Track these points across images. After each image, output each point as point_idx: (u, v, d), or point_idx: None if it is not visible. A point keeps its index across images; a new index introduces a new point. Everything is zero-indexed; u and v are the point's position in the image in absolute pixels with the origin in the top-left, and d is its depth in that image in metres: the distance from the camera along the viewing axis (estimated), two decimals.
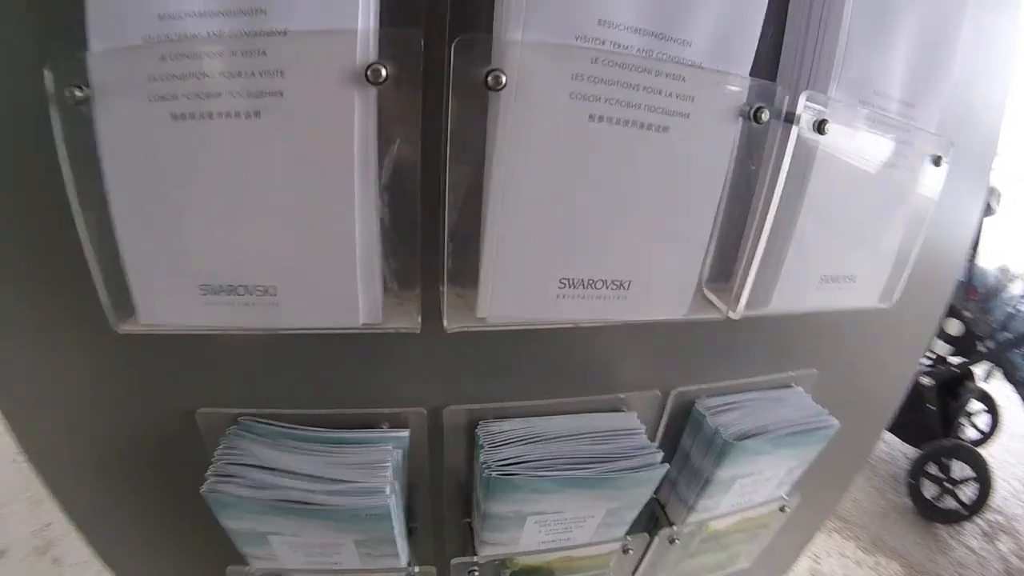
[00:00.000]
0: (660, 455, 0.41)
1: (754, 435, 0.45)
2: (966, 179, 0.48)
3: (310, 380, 0.39)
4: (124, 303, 0.31)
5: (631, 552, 0.48)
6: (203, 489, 0.36)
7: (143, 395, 0.40)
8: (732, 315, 0.38)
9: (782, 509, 0.55)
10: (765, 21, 0.32)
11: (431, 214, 0.31)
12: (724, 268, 0.38)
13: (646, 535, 0.48)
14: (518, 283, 0.32)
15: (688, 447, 0.48)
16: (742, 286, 0.37)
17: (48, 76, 0.27)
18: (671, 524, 0.50)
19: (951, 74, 0.38)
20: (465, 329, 0.33)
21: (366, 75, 0.26)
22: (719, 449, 0.45)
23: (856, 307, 0.43)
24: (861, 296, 0.43)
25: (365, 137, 0.28)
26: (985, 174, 0.49)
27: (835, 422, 0.48)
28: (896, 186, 0.40)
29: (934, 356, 1.73)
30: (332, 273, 0.30)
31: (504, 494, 0.38)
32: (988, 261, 1.77)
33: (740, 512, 0.52)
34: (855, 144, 0.36)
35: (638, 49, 0.28)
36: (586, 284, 0.33)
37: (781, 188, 0.35)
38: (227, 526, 0.38)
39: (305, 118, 0.27)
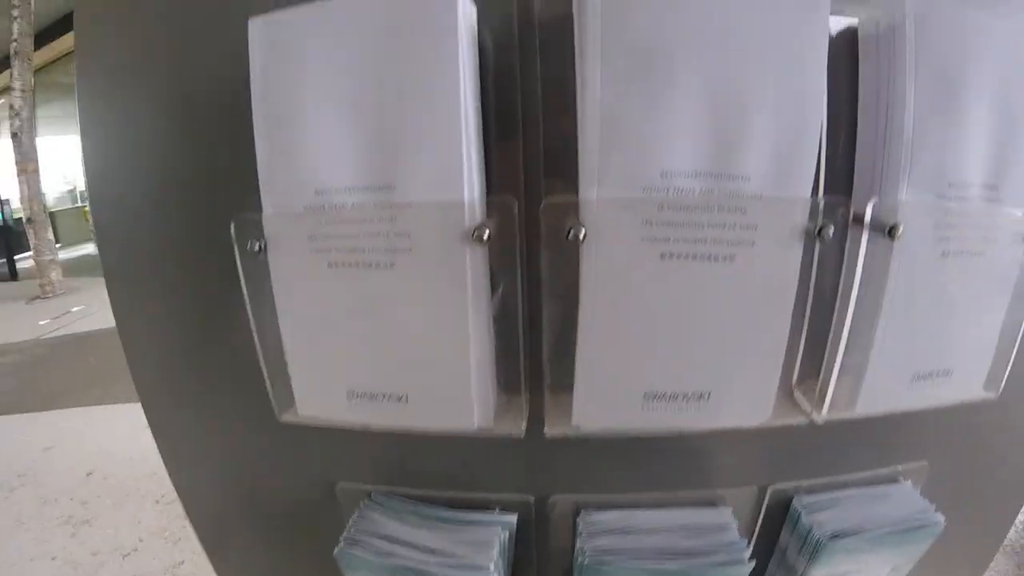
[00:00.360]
0: (747, 552, 0.42)
1: (850, 534, 0.44)
2: None
3: (435, 465, 0.46)
4: (287, 399, 0.41)
5: None
6: (336, 551, 0.43)
7: (295, 470, 0.49)
8: (816, 419, 0.39)
9: None
10: (839, 126, 0.34)
11: (537, 340, 0.36)
12: (817, 368, 0.39)
13: None
14: (607, 398, 0.36)
15: (785, 544, 0.48)
16: (825, 389, 0.38)
17: (233, 229, 0.37)
18: None
19: None
20: (564, 435, 0.37)
21: (472, 235, 0.33)
22: (812, 547, 0.44)
23: (956, 400, 0.42)
24: (961, 389, 0.42)
25: (477, 281, 0.34)
26: None
27: (940, 519, 0.45)
28: (986, 272, 0.39)
29: None
30: (452, 386, 0.37)
31: None
32: None
33: None
34: (934, 239, 0.36)
35: (699, 191, 0.32)
36: (668, 397, 0.36)
37: (856, 293, 0.36)
38: None
39: (428, 268, 0.35)
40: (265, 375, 0.40)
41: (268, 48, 0.34)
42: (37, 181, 4.82)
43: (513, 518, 0.45)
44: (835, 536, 0.43)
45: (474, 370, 0.36)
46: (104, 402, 2.64)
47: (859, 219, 0.36)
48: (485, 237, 0.33)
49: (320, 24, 0.34)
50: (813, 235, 0.34)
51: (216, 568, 0.56)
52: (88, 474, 2.02)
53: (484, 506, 0.46)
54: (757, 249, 0.33)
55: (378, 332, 0.37)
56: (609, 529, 0.44)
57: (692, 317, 0.34)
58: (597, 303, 0.33)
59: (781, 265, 0.34)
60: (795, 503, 0.47)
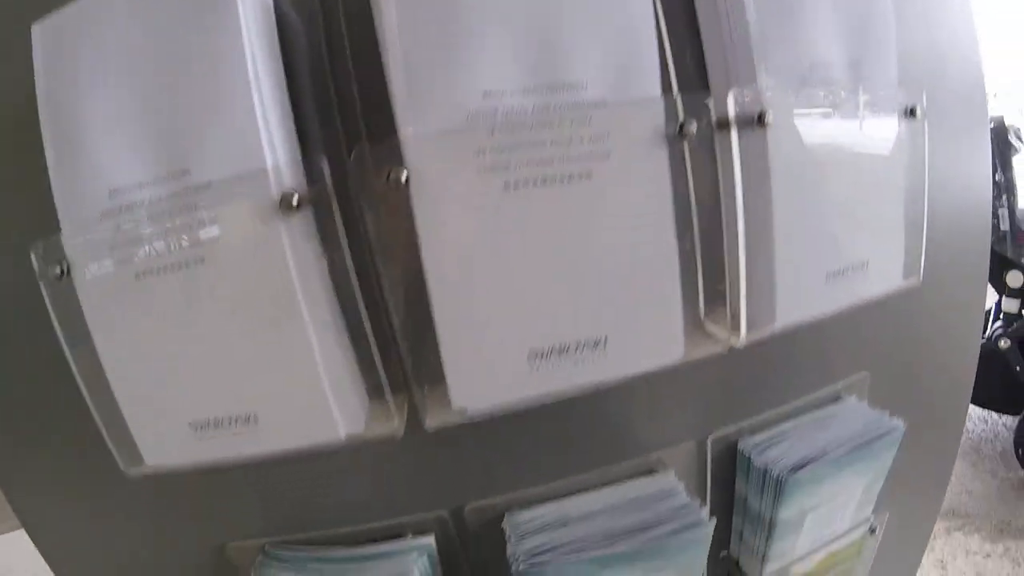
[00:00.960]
0: (704, 511, 0.37)
1: (809, 463, 0.40)
2: (961, 125, 0.43)
3: (328, 500, 0.39)
4: (132, 449, 0.33)
5: None
6: None
7: (170, 535, 0.40)
8: (736, 343, 0.35)
9: (872, 531, 0.47)
10: (682, 29, 0.31)
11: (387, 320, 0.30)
12: (716, 297, 0.35)
13: None
14: (485, 366, 0.31)
15: (744, 492, 0.43)
16: (737, 309, 0.34)
17: (34, 257, 0.30)
18: None
19: (890, 19, 0.35)
20: (448, 424, 0.31)
21: (280, 204, 0.27)
22: (774, 487, 0.40)
23: (879, 294, 0.38)
24: (881, 281, 0.39)
25: (300, 263, 0.28)
26: (982, 115, 0.44)
27: (899, 424, 0.42)
28: (875, 152, 0.36)
29: (1005, 315, 1.51)
30: (303, 394, 0.30)
31: None
32: None
33: (824, 548, 0.45)
34: (810, 124, 0.33)
35: (533, 107, 0.28)
36: (558, 352, 0.31)
37: (741, 195, 0.32)
38: None
39: (240, 260, 0.28)
40: (100, 423, 0.33)
41: (51, 50, 0.29)
42: None
43: (430, 540, 0.38)
44: (794, 469, 0.39)
45: (323, 370, 0.30)
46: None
47: (723, 119, 0.32)
48: (293, 205, 0.27)
49: (96, 15, 0.29)
50: (676, 136, 0.30)
51: None
52: None
53: (395, 534, 0.39)
54: (614, 161, 0.29)
55: (205, 347, 0.30)
56: (542, 526, 0.38)
57: (560, 250, 0.29)
58: (441, 256, 0.28)
59: (647, 174, 0.30)
60: (741, 447, 0.42)
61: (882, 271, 0.39)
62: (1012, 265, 1.46)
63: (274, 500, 0.39)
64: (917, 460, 0.47)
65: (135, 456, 0.33)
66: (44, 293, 0.31)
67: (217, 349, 0.30)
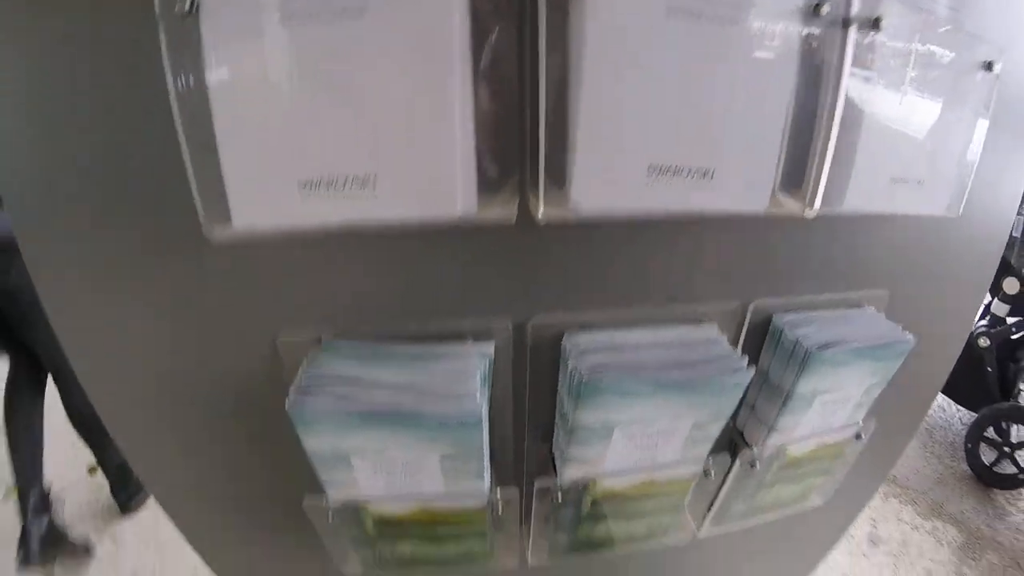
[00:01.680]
0: (746, 360, 0.44)
1: (834, 345, 0.47)
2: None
3: (392, 296, 0.42)
4: (216, 213, 0.34)
5: (712, 475, 0.50)
6: (288, 405, 0.38)
7: (223, 323, 0.42)
8: (808, 213, 0.41)
9: (857, 436, 0.57)
10: None
11: (528, 104, 0.33)
12: (795, 176, 0.41)
13: (727, 456, 0.51)
14: (609, 169, 0.35)
15: (767, 365, 0.51)
16: (816, 184, 0.40)
17: None
18: (751, 447, 0.52)
19: None
20: (558, 219, 0.35)
21: None
22: (801, 360, 0.47)
23: (925, 212, 0.46)
24: (929, 202, 0.46)
25: (463, 27, 0.31)
26: None
27: (910, 337, 0.50)
28: (952, 89, 0.42)
29: (992, 317, 1.77)
30: (431, 161, 0.33)
31: (594, 399, 0.41)
32: None
33: (818, 437, 0.55)
34: (908, 42, 0.39)
35: None
36: (674, 171, 0.36)
37: (845, 85, 0.38)
38: (309, 448, 0.41)
39: (405, 12, 0.30)
40: (192, 179, 0.33)
41: None
42: None
43: (490, 347, 0.43)
44: (822, 347, 0.47)
45: (459, 141, 0.33)
46: None
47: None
48: None
49: None
50: (811, 12, 0.35)
51: (135, 464, 0.48)
52: None
53: (456, 338, 0.43)
54: (757, 15, 0.33)
55: (341, 100, 0.32)
56: (599, 347, 0.43)
57: (697, 82, 0.34)
58: (599, 57, 0.31)
59: (781, 37, 0.34)
60: (776, 321, 0.50)
61: (932, 194, 0.45)
62: (1012, 272, 1.68)
63: (333, 293, 0.42)
64: (906, 385, 0.57)
65: (220, 217, 0.34)
66: (160, 32, 0.31)
67: (352, 106, 0.32)
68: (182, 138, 0.33)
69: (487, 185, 0.35)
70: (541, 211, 0.35)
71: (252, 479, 0.52)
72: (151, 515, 1.51)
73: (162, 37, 0.31)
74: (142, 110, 0.35)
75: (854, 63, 0.38)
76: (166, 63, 0.31)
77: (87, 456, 1.61)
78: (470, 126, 0.33)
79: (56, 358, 1.40)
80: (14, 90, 0.34)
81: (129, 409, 0.46)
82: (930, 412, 1.65)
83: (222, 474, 0.51)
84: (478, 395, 0.39)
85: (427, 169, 0.33)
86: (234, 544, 0.58)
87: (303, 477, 0.47)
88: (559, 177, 0.35)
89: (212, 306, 0.42)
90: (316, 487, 0.45)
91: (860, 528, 1.30)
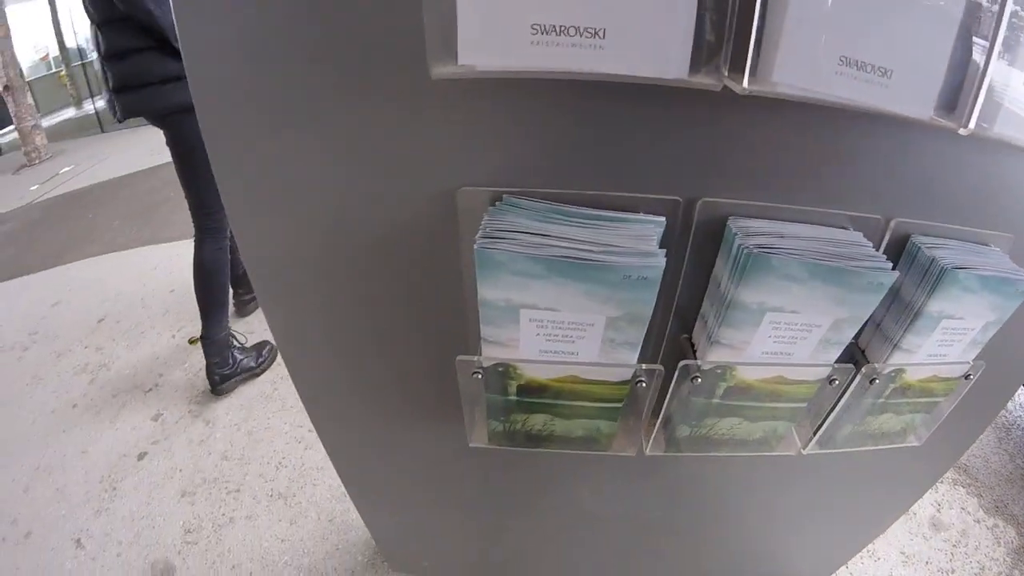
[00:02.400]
0: (891, 264, 0.49)
1: (967, 268, 0.52)
2: None
3: (573, 160, 0.47)
4: (442, 48, 0.39)
5: (836, 383, 0.55)
6: (476, 247, 0.43)
7: (407, 171, 0.48)
8: (963, 131, 0.45)
9: (967, 376, 0.62)
10: None
11: None
12: (950, 101, 0.46)
13: (851, 366, 0.56)
14: (808, 55, 0.40)
15: (900, 282, 0.56)
16: (973, 104, 0.44)
17: None
18: (872, 363, 0.57)
19: None
20: (757, 92, 0.41)
21: None
22: (936, 277, 0.52)
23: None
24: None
25: None
26: None
27: None
28: None
29: None
30: (660, 21, 0.38)
31: (758, 276, 0.46)
32: None
33: (933, 366, 0.60)
34: None
35: None
36: (860, 66, 0.41)
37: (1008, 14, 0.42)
38: (483, 297, 0.46)
39: None
40: (425, 9, 0.39)
41: None
42: (10, 46, 5.09)
43: (662, 219, 0.48)
44: (957, 267, 0.52)
45: (684, 7, 0.38)
46: (107, 251, 2.79)
47: None
48: None
49: None
50: None
51: (273, 320, 0.54)
52: (100, 320, 2.19)
53: (628, 209, 0.49)
54: None
55: None
56: (762, 232, 0.48)
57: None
58: None
59: None
60: (913, 240, 0.55)
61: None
62: None
63: (518, 152, 0.47)
64: (1014, 343, 0.61)
65: (447, 55, 0.39)
66: None
67: None
68: None
69: (697, 54, 0.41)
70: (746, 82, 0.40)
71: (393, 342, 0.57)
72: (242, 401, 1.64)
73: None
74: None
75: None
76: None
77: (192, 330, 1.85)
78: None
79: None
80: None
81: (282, 269, 0.52)
82: (1012, 409, 1.68)
83: (362, 338, 0.57)
84: (660, 254, 0.44)
85: (654, 29, 0.39)
86: (352, 413, 0.64)
87: (448, 338, 0.52)
88: (758, 58, 0.40)
89: (400, 150, 0.47)
90: (461, 350, 0.51)
91: (924, 509, 1.34)
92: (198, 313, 1.63)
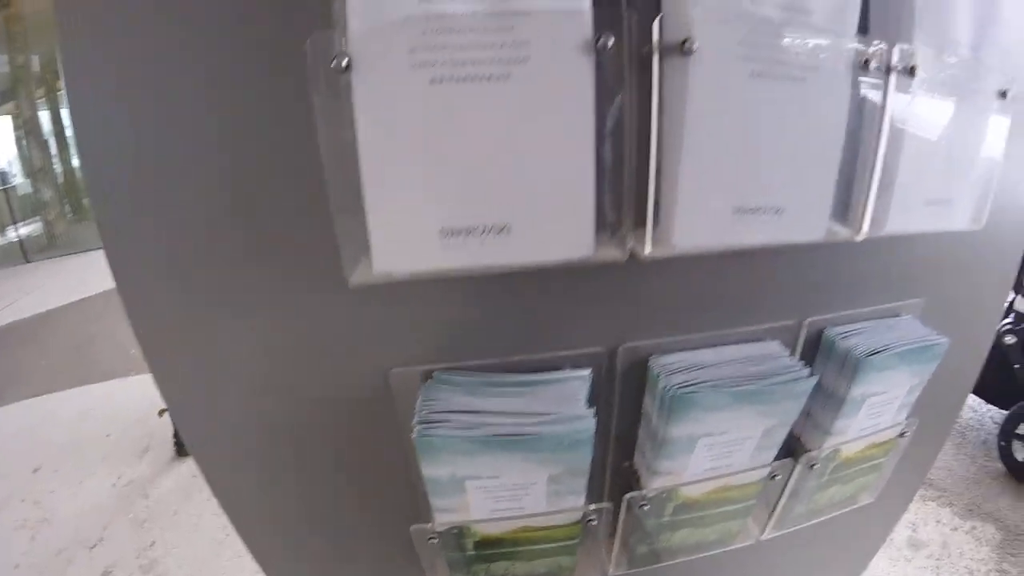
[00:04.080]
0: (808, 370, 0.58)
1: (881, 351, 0.62)
2: None
3: (497, 330, 0.54)
4: (356, 258, 0.46)
5: (778, 478, 0.65)
6: (415, 435, 0.50)
7: (338, 359, 0.54)
8: (857, 238, 0.56)
9: (902, 435, 0.73)
10: None
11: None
12: (840, 206, 0.55)
13: (791, 460, 0.65)
14: (703, 214, 0.48)
15: (820, 374, 0.65)
16: (863, 211, 0.55)
17: (309, 47, 0.41)
18: (809, 451, 0.67)
19: (1006, 22, 0.56)
20: (659, 256, 0.49)
21: (596, 44, 0.42)
22: (853, 366, 0.62)
23: (954, 228, 0.61)
24: (957, 218, 0.61)
25: (592, 92, 0.44)
26: None
27: (945, 340, 0.65)
28: (972, 118, 0.57)
29: (1016, 314, 2.02)
30: (560, 210, 0.45)
31: (683, 413, 0.54)
32: None
33: (867, 437, 0.70)
34: (937, 83, 0.54)
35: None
36: (753, 211, 0.49)
37: (887, 125, 0.52)
38: (427, 475, 0.53)
39: (548, 79, 0.42)
40: (339, 228, 0.44)
41: None
42: None
43: (587, 372, 0.56)
44: (871, 354, 0.62)
45: (585, 192, 0.46)
46: (37, 394, 2.84)
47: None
48: (608, 46, 0.43)
49: None
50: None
51: (221, 496, 0.59)
52: (35, 471, 2.23)
53: (554, 367, 0.56)
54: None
55: (483, 155, 0.43)
56: (683, 367, 0.57)
57: (774, 136, 0.48)
58: (701, 117, 0.45)
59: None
60: (827, 333, 0.65)
61: (960, 212, 0.60)
62: None
63: (445, 329, 0.54)
64: (942, 383, 0.72)
65: (359, 262, 0.45)
66: (312, 87, 0.41)
67: (493, 161, 0.44)
68: (330, 186, 0.44)
69: (600, 229, 0.48)
70: (648, 249, 0.49)
71: (343, 512, 0.63)
72: (195, 551, 1.66)
73: (315, 91, 0.41)
74: (284, 155, 0.46)
75: (892, 104, 0.53)
76: (318, 116, 0.42)
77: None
78: (592, 179, 0.46)
79: None
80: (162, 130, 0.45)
81: (221, 442, 0.57)
82: (961, 413, 1.88)
83: (313, 509, 0.62)
84: (589, 415, 0.52)
85: (557, 217, 0.46)
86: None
87: (398, 508, 0.59)
88: (659, 220, 0.49)
89: (328, 343, 0.53)
90: (412, 518, 0.57)
91: (900, 533, 1.49)
92: (137, 457, 1.63)
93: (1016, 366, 1.93)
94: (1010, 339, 1.93)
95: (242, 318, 0.51)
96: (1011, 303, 2.05)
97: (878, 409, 0.67)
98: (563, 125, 0.44)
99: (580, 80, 0.43)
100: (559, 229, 0.46)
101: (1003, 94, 0.58)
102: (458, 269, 0.47)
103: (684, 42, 0.43)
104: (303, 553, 0.66)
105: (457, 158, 0.44)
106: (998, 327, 1.99)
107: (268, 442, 0.58)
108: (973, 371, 0.83)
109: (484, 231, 0.46)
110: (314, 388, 0.55)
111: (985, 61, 0.58)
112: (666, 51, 0.44)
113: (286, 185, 0.47)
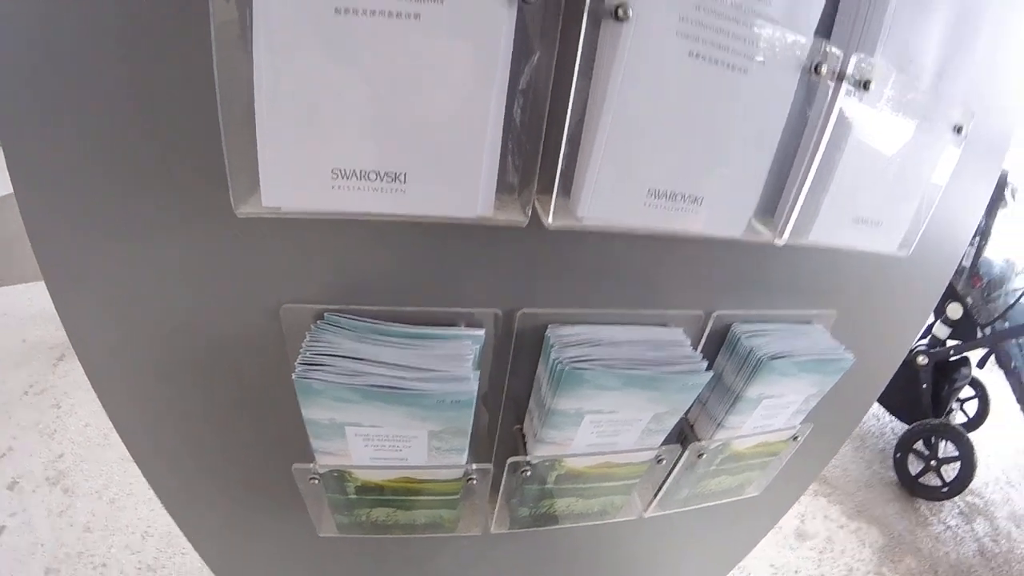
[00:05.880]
0: (706, 364, 0.55)
1: (783, 356, 0.60)
2: (981, 159, 0.63)
3: (393, 278, 0.51)
4: (245, 190, 0.42)
5: (663, 463, 0.63)
6: (294, 376, 0.47)
7: (230, 290, 0.50)
8: (777, 242, 0.53)
9: (794, 438, 0.71)
10: None
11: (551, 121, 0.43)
12: (770, 205, 0.52)
13: (678, 446, 0.63)
14: (615, 190, 0.45)
15: (722, 368, 0.63)
16: (788, 218, 0.52)
17: None
18: (699, 440, 0.65)
19: (975, 56, 0.52)
20: (563, 226, 0.45)
21: None
22: (752, 367, 0.60)
23: (880, 250, 0.58)
24: (884, 241, 0.58)
25: (508, 46, 0.39)
26: (999, 158, 0.65)
27: (851, 357, 0.63)
28: (921, 146, 0.53)
29: (932, 337, 2.05)
30: (460, 165, 0.42)
31: (572, 389, 0.52)
32: (995, 252, 2.08)
33: (760, 435, 0.68)
34: (891, 103, 0.50)
35: (731, 2, 0.41)
36: (669, 196, 0.46)
37: (828, 135, 0.49)
38: (308, 417, 0.50)
39: (459, 25, 0.38)
40: (227, 155, 0.40)
41: None
42: None
43: (481, 332, 0.53)
44: (773, 357, 0.59)
45: (488, 147, 0.42)
46: None
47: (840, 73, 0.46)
48: None
49: None
50: (809, 71, 0.45)
51: (118, 425, 0.55)
52: None
53: (448, 323, 0.53)
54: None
55: (384, 96, 0.39)
56: (579, 341, 0.54)
57: (702, 121, 0.44)
58: (624, 88, 0.41)
59: (782, 87, 0.45)
60: (734, 329, 0.62)
61: (888, 235, 0.56)
62: (956, 298, 1.94)
63: (337, 271, 0.50)
64: (842, 399, 0.71)
65: (248, 194, 0.41)
66: (211, 11, 0.36)
67: (395, 102, 0.40)
68: (220, 113, 0.39)
69: (504, 190, 0.44)
70: (551, 218, 0.45)
71: (235, 444, 0.60)
72: (102, 467, 1.60)
73: (212, 13, 0.37)
74: (182, 81, 0.41)
75: (839, 114, 0.49)
76: (213, 40, 0.37)
77: None
78: (499, 136, 0.42)
79: None
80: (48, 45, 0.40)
81: (118, 371, 0.53)
82: (865, 419, 1.91)
83: (206, 439, 0.59)
84: (472, 377, 0.49)
85: (456, 172, 0.42)
86: (208, 509, 0.66)
87: (286, 442, 0.56)
88: (568, 189, 0.45)
89: (219, 270, 0.49)
90: (300, 452, 0.54)
91: (789, 522, 1.52)
92: (51, 366, 1.55)
93: (923, 386, 1.96)
94: (923, 359, 1.96)
95: (136, 241, 0.47)
96: (930, 326, 2.07)
97: (773, 411, 0.65)
98: (472, 75, 0.40)
99: (496, 29, 0.39)
100: (456, 185, 0.43)
101: (958, 129, 0.54)
102: (349, 213, 0.42)
103: (619, 7, 0.39)
104: (197, 486, 0.63)
105: (356, 95, 0.40)
106: (913, 346, 2.01)
107: (160, 373, 0.54)
108: (878, 387, 0.82)
109: (378, 176, 0.42)
110: (206, 319, 0.51)
111: (947, 91, 0.54)
112: (598, 14, 0.40)
113: (183, 107, 0.43)
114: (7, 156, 0.43)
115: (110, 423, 0.56)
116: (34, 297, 2.34)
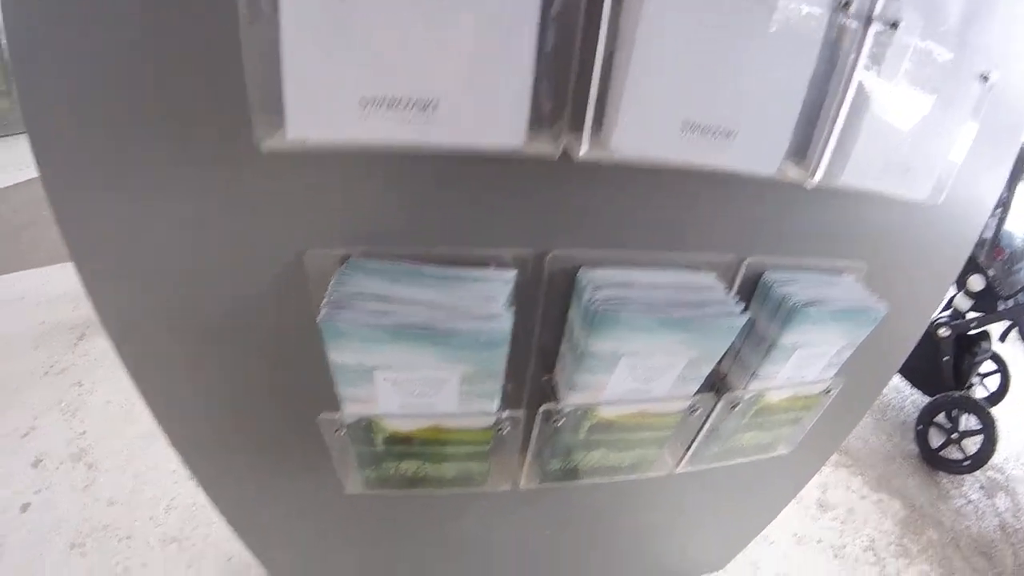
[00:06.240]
0: (742, 307, 0.53)
1: (817, 304, 0.58)
2: (1007, 113, 0.61)
3: (419, 220, 0.49)
4: (270, 122, 0.40)
5: (697, 412, 0.61)
6: (319, 319, 0.45)
7: (253, 237, 0.48)
8: (809, 183, 0.51)
9: (827, 391, 0.69)
10: None
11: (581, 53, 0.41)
12: (802, 148, 0.50)
13: (713, 395, 0.61)
14: (649, 121, 0.43)
15: (754, 316, 0.61)
16: (821, 157, 0.50)
17: None
18: (733, 390, 0.63)
19: (998, 14, 0.51)
20: (595, 159, 0.43)
21: None
22: (786, 314, 0.58)
23: (911, 196, 0.56)
24: (914, 187, 0.56)
25: None
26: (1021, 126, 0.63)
27: (883, 307, 0.61)
28: (949, 92, 0.52)
29: (954, 310, 2.01)
30: (491, 93, 0.40)
31: (606, 330, 0.50)
32: (1017, 225, 2.04)
33: (792, 388, 0.66)
34: (919, 47, 0.48)
35: None
36: (703, 130, 0.44)
37: (859, 74, 0.46)
38: (334, 361, 0.48)
39: None
40: (250, 85, 0.38)
41: None
42: None
43: (513, 274, 0.51)
44: (807, 304, 0.57)
45: (520, 76, 0.40)
46: None
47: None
48: None
49: None
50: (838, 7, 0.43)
51: (137, 379, 0.54)
52: None
53: (478, 264, 0.51)
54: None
55: (415, 19, 0.38)
56: (612, 283, 0.52)
57: (736, 54, 0.42)
58: (657, 23, 0.39)
59: (811, 23, 0.43)
60: (765, 278, 0.60)
61: (920, 181, 0.55)
62: (978, 270, 1.90)
63: (361, 213, 0.49)
64: (872, 354, 0.68)
65: (273, 127, 0.40)
66: None
67: (427, 26, 0.38)
68: (243, 40, 0.37)
69: (535, 123, 0.43)
70: (584, 150, 0.43)
71: (260, 403, 0.58)
72: (124, 442, 1.60)
73: None
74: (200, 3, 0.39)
75: (869, 55, 0.47)
76: None
77: None
78: (532, 65, 0.40)
79: None
80: None
81: (140, 333, 0.52)
82: (886, 391, 1.88)
83: (227, 390, 0.58)
84: (506, 315, 0.47)
85: (487, 100, 0.40)
86: (233, 472, 0.65)
87: (311, 395, 0.55)
88: (601, 122, 0.43)
89: (240, 216, 0.47)
90: (326, 405, 0.52)
91: (811, 493, 1.50)
92: (71, 346, 1.53)
93: (945, 358, 1.92)
94: (944, 332, 1.92)
95: (155, 189, 0.45)
96: (952, 298, 2.03)
97: (807, 361, 0.63)
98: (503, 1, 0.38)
99: None
100: (487, 114, 0.41)
101: (984, 78, 0.53)
102: (379, 144, 0.41)
103: None
104: (222, 449, 0.62)
105: (386, 20, 0.38)
106: (934, 318, 1.97)
107: (183, 330, 0.53)
108: (904, 347, 0.79)
109: (408, 105, 0.40)
110: (229, 265, 0.50)
111: (972, 40, 0.52)
112: None
113: (201, 35, 0.41)
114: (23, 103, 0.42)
115: (131, 400, 0.55)
116: (50, 280, 2.35)
